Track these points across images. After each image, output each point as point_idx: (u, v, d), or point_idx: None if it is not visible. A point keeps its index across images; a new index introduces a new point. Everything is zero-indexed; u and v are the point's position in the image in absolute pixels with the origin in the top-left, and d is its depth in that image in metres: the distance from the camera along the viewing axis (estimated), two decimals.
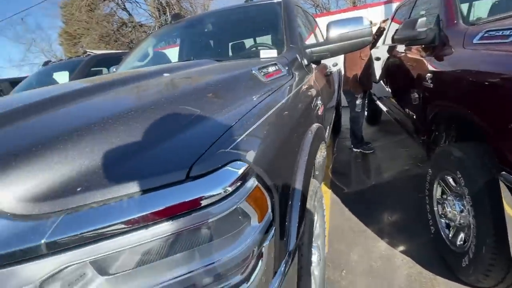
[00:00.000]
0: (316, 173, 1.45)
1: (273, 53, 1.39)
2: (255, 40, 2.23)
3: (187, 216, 0.46)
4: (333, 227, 1.96)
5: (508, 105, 0.95)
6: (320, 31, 3.25)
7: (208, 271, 0.50)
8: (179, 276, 0.48)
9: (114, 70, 2.05)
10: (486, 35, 1.26)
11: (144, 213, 0.43)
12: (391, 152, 3.15)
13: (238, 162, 0.54)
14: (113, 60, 3.50)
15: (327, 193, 2.44)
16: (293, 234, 0.73)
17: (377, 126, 4.23)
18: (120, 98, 0.71)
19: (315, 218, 1.23)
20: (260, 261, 0.59)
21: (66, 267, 0.41)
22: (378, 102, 3.64)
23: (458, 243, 1.37)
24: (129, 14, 15.46)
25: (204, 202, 0.47)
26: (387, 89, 3.07)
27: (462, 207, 1.34)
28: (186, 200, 0.46)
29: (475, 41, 1.32)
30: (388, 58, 2.94)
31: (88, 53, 4.35)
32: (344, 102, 3.92)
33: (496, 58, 1.09)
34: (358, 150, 3.21)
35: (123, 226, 0.43)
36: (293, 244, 0.73)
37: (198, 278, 0.50)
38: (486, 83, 1.10)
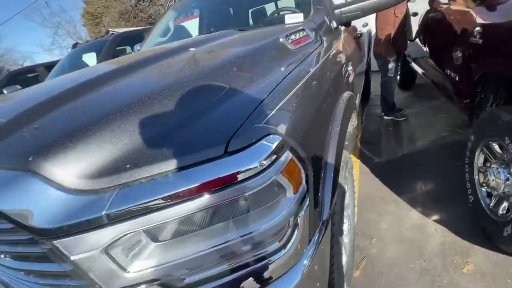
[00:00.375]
0: (347, 143, 1.41)
1: (299, 17, 1.30)
2: (276, 5, 2.09)
3: (226, 189, 0.48)
4: (362, 197, 1.95)
5: None
6: None
7: (247, 240, 0.53)
8: (221, 244, 0.52)
9: (138, 48, 2.07)
10: None
11: (187, 187, 0.45)
12: (426, 119, 2.94)
13: (272, 136, 0.54)
14: (135, 38, 3.53)
15: (356, 163, 2.39)
16: (326, 205, 0.74)
17: (411, 91, 3.92)
18: (152, 76, 0.73)
19: (346, 188, 1.23)
20: (296, 230, 0.61)
21: (125, 235, 0.46)
22: (413, 64, 3.32)
23: (500, 212, 1.30)
24: None
25: (241, 176, 0.49)
26: (424, 48, 2.78)
27: (508, 175, 1.25)
28: (225, 175, 0.47)
29: None
30: (427, 13, 2.62)
31: (111, 32, 4.42)
32: (374, 66, 3.65)
33: None
34: (390, 118, 3.04)
35: (169, 199, 0.46)
36: (326, 214, 0.74)
37: (238, 246, 0.53)
38: None
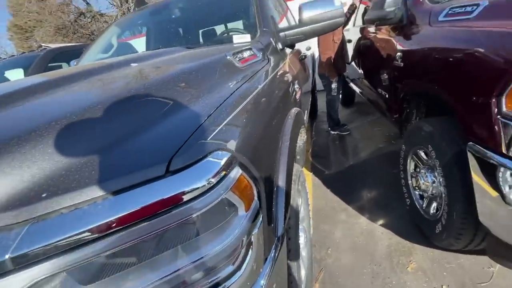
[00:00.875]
0: (298, 157, 1.46)
1: (246, 37, 1.35)
2: (226, 26, 2.15)
3: (170, 213, 0.43)
4: (316, 209, 2.02)
5: (472, 80, 1.01)
6: (292, 15, 3.21)
7: (198, 266, 0.48)
8: (168, 275, 0.46)
9: (75, 64, 1.89)
10: (450, 12, 1.31)
11: (121, 215, 0.39)
12: (366, 132, 3.28)
13: (220, 152, 0.51)
14: (73, 54, 3.21)
15: (308, 176, 2.49)
16: (280, 219, 0.73)
17: (352, 108, 4.35)
18: (84, 91, 0.65)
19: (300, 201, 1.25)
20: (250, 249, 0.58)
21: (39, 281, 0.37)
22: (352, 84, 3.73)
23: (431, 212, 1.47)
24: (87, 3, 14.24)
25: (187, 197, 0.45)
26: (359, 70, 3.14)
27: (433, 178, 1.43)
28: (168, 196, 0.43)
29: (440, 18, 1.37)
30: (359, 40, 2.99)
31: (43, 47, 3.97)
32: (319, 86, 3.98)
33: (461, 34, 1.14)
34: (335, 132, 3.30)
35: (99, 230, 0.39)
36: (281, 229, 0.73)
37: (188, 275, 0.48)
38: (452, 59, 1.15)
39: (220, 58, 0.88)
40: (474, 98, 0.98)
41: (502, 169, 0.89)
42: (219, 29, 1.87)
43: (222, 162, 0.50)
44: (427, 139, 1.39)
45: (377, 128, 3.28)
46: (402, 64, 1.68)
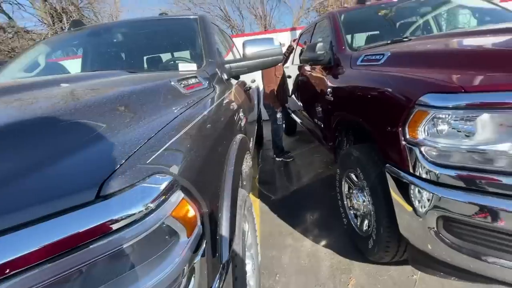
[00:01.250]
0: (244, 183, 1.48)
1: (192, 66, 1.38)
2: (172, 54, 2.18)
3: (102, 242, 0.39)
4: (264, 234, 2.02)
5: (383, 113, 1.22)
6: (238, 50, 3.44)
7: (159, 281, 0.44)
8: None
9: None
10: (365, 58, 1.60)
11: (41, 246, 0.34)
12: (307, 159, 3.54)
13: (160, 176, 0.50)
14: None
15: (256, 202, 2.51)
16: (225, 246, 0.71)
17: (295, 137, 4.69)
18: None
19: (246, 227, 1.25)
20: (193, 278, 0.55)
21: None
22: (293, 115, 4.07)
23: (364, 229, 1.62)
24: (9, 18, 12.63)
25: (121, 223, 0.41)
26: (299, 103, 3.47)
27: (363, 198, 1.60)
28: (98, 224, 0.39)
29: (358, 63, 1.65)
30: (297, 76, 3.35)
31: None
32: (264, 115, 4.22)
33: (373, 76, 1.40)
34: (280, 159, 3.48)
35: (15, 265, 0.33)
36: (226, 256, 0.71)
37: None
38: (368, 96, 1.39)
39: (164, 83, 0.88)
40: (386, 128, 1.18)
41: (412, 186, 1.07)
42: (164, 56, 1.87)
43: (162, 186, 0.49)
44: (356, 163, 1.58)
45: (317, 155, 3.58)
46: (332, 98, 1.94)
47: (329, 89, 2.00)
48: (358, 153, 1.58)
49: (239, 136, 1.17)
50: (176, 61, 1.59)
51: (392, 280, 1.49)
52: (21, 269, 0.33)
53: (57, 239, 0.36)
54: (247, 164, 1.44)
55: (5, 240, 0.32)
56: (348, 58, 1.83)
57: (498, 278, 0.92)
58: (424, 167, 1.01)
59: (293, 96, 3.71)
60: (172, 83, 0.89)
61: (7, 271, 0.32)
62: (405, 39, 1.73)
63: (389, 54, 1.40)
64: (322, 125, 2.45)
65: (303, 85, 3.07)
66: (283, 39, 6.32)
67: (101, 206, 0.40)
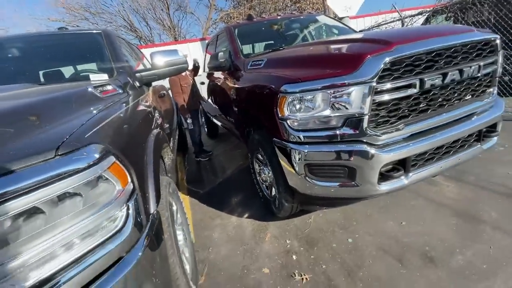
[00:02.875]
0: (169, 175, 1.72)
1: (103, 76, 1.54)
2: (75, 68, 2.19)
3: (60, 183, 0.62)
4: (196, 221, 2.28)
5: (265, 101, 1.68)
6: (148, 60, 3.56)
7: (96, 220, 0.68)
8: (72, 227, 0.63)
9: None
10: (252, 63, 2.08)
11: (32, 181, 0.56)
12: (230, 155, 3.93)
13: (96, 144, 0.74)
14: None
15: (185, 199, 2.72)
16: (152, 200, 0.97)
17: (217, 139, 5.03)
18: None
19: (174, 206, 1.49)
20: (129, 219, 0.80)
21: None
22: (213, 119, 4.40)
23: (272, 194, 2.09)
24: None
25: (71, 172, 0.65)
26: (215, 106, 3.83)
27: (268, 170, 2.07)
28: (57, 172, 0.62)
29: (248, 67, 2.12)
30: (209, 82, 3.70)
31: None
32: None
33: (256, 76, 1.87)
34: (198, 159, 3.79)
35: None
36: (152, 209, 0.98)
37: (87, 229, 0.67)
38: (256, 92, 1.85)
39: (82, 89, 1.07)
40: (267, 111, 1.64)
41: (287, 149, 1.55)
42: (68, 70, 1.91)
43: (99, 149, 0.73)
44: (258, 144, 2.03)
45: (238, 150, 4.01)
46: (236, 97, 2.36)
47: (233, 90, 2.42)
48: (258, 136, 2.03)
49: (155, 131, 1.42)
50: (85, 73, 1.69)
51: (295, 227, 1.99)
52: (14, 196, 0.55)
53: (34, 180, 0.58)
54: (168, 156, 1.69)
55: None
56: (242, 63, 2.29)
57: (335, 196, 1.48)
58: (291, 134, 1.50)
59: (210, 101, 4.04)
60: (89, 89, 1.09)
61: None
62: (281, 48, 2.31)
63: (266, 59, 1.90)
64: (234, 122, 2.86)
65: (216, 90, 3.44)
66: (194, 48, 6.62)
67: (59, 160, 0.63)
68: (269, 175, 2.04)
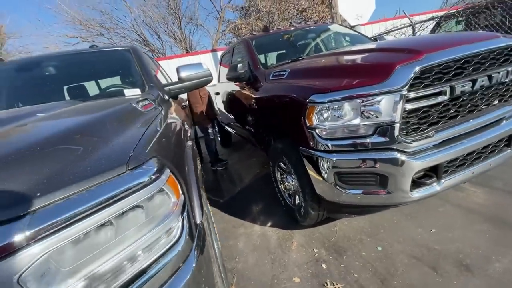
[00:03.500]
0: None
1: (136, 91, 1.61)
2: (97, 83, 2.28)
3: (131, 196, 0.66)
4: (220, 231, 2.29)
5: (292, 111, 1.71)
6: (164, 71, 3.67)
7: (158, 232, 0.71)
8: (131, 246, 0.66)
9: None
10: (274, 74, 2.13)
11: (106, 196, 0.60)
12: (245, 163, 3.96)
13: (155, 159, 0.79)
14: None
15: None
16: (198, 211, 1.01)
17: (231, 147, 5.08)
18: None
19: (207, 213, 1.52)
20: (185, 225, 0.84)
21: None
22: (227, 127, 4.46)
23: (296, 202, 2.09)
24: None
25: (139, 186, 0.69)
26: (230, 116, 3.90)
27: (292, 178, 2.08)
28: (128, 186, 0.66)
29: (270, 78, 2.17)
30: (226, 93, 3.77)
31: None
32: (199, 132, 4.49)
33: (280, 87, 1.91)
34: (215, 168, 3.83)
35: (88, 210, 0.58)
36: (199, 219, 1.01)
37: (148, 245, 0.70)
38: (281, 102, 1.89)
39: (127, 105, 1.12)
40: (294, 121, 1.67)
41: (316, 157, 1.56)
42: (103, 85, 2.00)
43: (157, 164, 0.77)
44: (281, 153, 2.05)
45: (253, 159, 4.04)
46: (256, 107, 2.41)
47: (253, 100, 2.47)
48: (281, 145, 2.06)
49: (190, 142, 1.47)
50: (119, 88, 1.77)
51: (321, 235, 1.98)
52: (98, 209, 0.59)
53: (111, 194, 0.62)
54: (198, 166, 1.73)
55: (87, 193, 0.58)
56: (263, 74, 2.34)
57: (365, 203, 1.48)
58: (319, 143, 1.52)
59: (224, 110, 4.11)
60: (133, 104, 1.15)
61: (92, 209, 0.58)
62: (300, 58, 2.36)
63: (289, 70, 1.95)
64: (253, 131, 2.91)
65: (232, 100, 3.51)
66: (205, 60, 6.77)
67: (130, 175, 0.67)
68: (293, 183, 2.05)
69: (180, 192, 0.87)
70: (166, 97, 1.79)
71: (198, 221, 0.99)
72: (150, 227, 0.72)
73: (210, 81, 1.96)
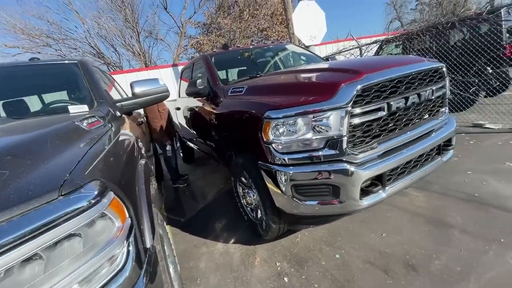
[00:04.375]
0: (153, 205, 1.66)
1: (83, 108, 1.51)
2: (41, 99, 2.08)
3: (66, 224, 0.60)
4: (180, 252, 2.18)
5: (249, 126, 1.75)
6: (119, 86, 3.50)
7: (98, 260, 0.65)
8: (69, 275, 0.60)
9: None
10: (233, 90, 2.16)
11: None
12: (209, 179, 3.88)
13: (96, 181, 0.73)
14: None
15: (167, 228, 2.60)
16: (148, 235, 0.95)
17: (194, 163, 4.95)
18: None
19: (162, 234, 1.44)
20: (131, 251, 0.78)
21: None
22: (189, 143, 4.36)
23: (258, 217, 2.10)
24: None
25: (75, 212, 0.63)
26: (192, 131, 3.82)
27: (253, 192, 2.09)
28: (60, 213, 0.60)
29: (229, 94, 2.20)
30: (187, 108, 3.71)
31: None
32: (159, 149, 4.31)
33: (238, 102, 1.95)
34: (176, 185, 3.68)
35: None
36: (149, 243, 0.95)
37: (90, 273, 0.64)
38: (239, 117, 1.92)
39: (69, 123, 1.04)
40: (252, 136, 1.70)
41: (274, 171, 1.60)
42: (45, 100, 1.82)
43: (99, 187, 0.72)
44: (242, 167, 2.06)
45: (217, 174, 3.98)
46: (216, 122, 2.41)
47: (213, 115, 2.46)
48: (242, 160, 2.07)
49: (143, 161, 1.40)
50: (63, 105, 1.63)
51: (283, 247, 2.00)
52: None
53: (38, 224, 0.56)
54: (153, 186, 1.65)
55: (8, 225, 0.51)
56: (222, 90, 2.37)
57: (321, 213, 1.55)
58: (276, 157, 1.57)
59: (185, 125, 4.02)
60: (76, 122, 1.06)
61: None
62: (258, 75, 2.45)
63: (246, 87, 2.00)
64: (214, 146, 2.88)
65: (193, 115, 3.45)
66: (166, 75, 6.63)
67: (63, 201, 0.61)
68: (254, 197, 2.06)
69: (127, 215, 0.82)
70: (118, 113, 1.70)
71: (148, 245, 0.94)
72: (88, 256, 0.66)
73: (166, 97, 1.92)
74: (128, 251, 0.76)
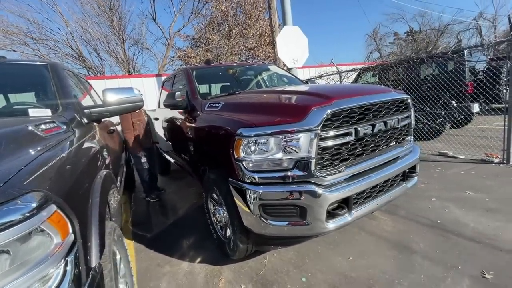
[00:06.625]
0: (113, 219, 1.57)
1: (46, 112, 1.43)
2: (6, 98, 1.95)
3: None
4: (142, 270, 2.04)
5: (222, 142, 1.74)
6: (96, 92, 3.38)
7: (25, 282, 0.59)
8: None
9: None
10: (209, 105, 2.16)
11: None
12: (183, 193, 3.76)
13: (36, 192, 0.68)
14: None
15: (130, 245, 2.45)
16: (95, 253, 0.88)
17: (170, 176, 4.80)
18: None
19: (118, 256, 1.35)
20: (68, 271, 0.71)
21: None
22: (165, 155, 4.24)
23: (227, 235, 2.03)
24: None
25: (5, 225, 0.58)
26: (168, 143, 3.74)
27: (223, 210, 2.04)
28: None
29: (206, 108, 2.20)
30: (165, 119, 3.64)
31: None
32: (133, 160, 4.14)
33: (213, 118, 1.95)
34: (148, 199, 3.53)
35: None
36: (95, 262, 0.88)
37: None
38: (213, 132, 1.91)
39: (21, 128, 0.97)
40: (224, 152, 1.69)
41: (243, 189, 1.58)
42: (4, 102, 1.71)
43: (37, 199, 0.67)
44: (213, 183, 2.02)
45: (191, 188, 3.87)
46: (191, 136, 2.37)
47: (189, 128, 2.43)
48: (214, 176, 2.03)
49: (103, 172, 1.33)
50: (22, 107, 1.54)
51: (250, 269, 1.94)
52: None
53: None
54: (114, 198, 1.56)
55: None
56: (199, 104, 2.36)
57: (287, 235, 1.53)
58: (246, 175, 1.55)
59: (162, 136, 3.93)
60: (30, 127, 1.00)
61: None
62: (237, 92, 2.47)
63: (223, 103, 2.01)
64: (188, 160, 2.82)
65: (170, 127, 3.40)
66: (149, 84, 6.56)
67: None
68: (224, 215, 2.01)
69: (70, 231, 0.76)
70: (85, 120, 1.63)
71: (94, 264, 0.87)
72: (15, 275, 0.60)
73: (140, 106, 1.87)
74: (65, 271, 0.69)
